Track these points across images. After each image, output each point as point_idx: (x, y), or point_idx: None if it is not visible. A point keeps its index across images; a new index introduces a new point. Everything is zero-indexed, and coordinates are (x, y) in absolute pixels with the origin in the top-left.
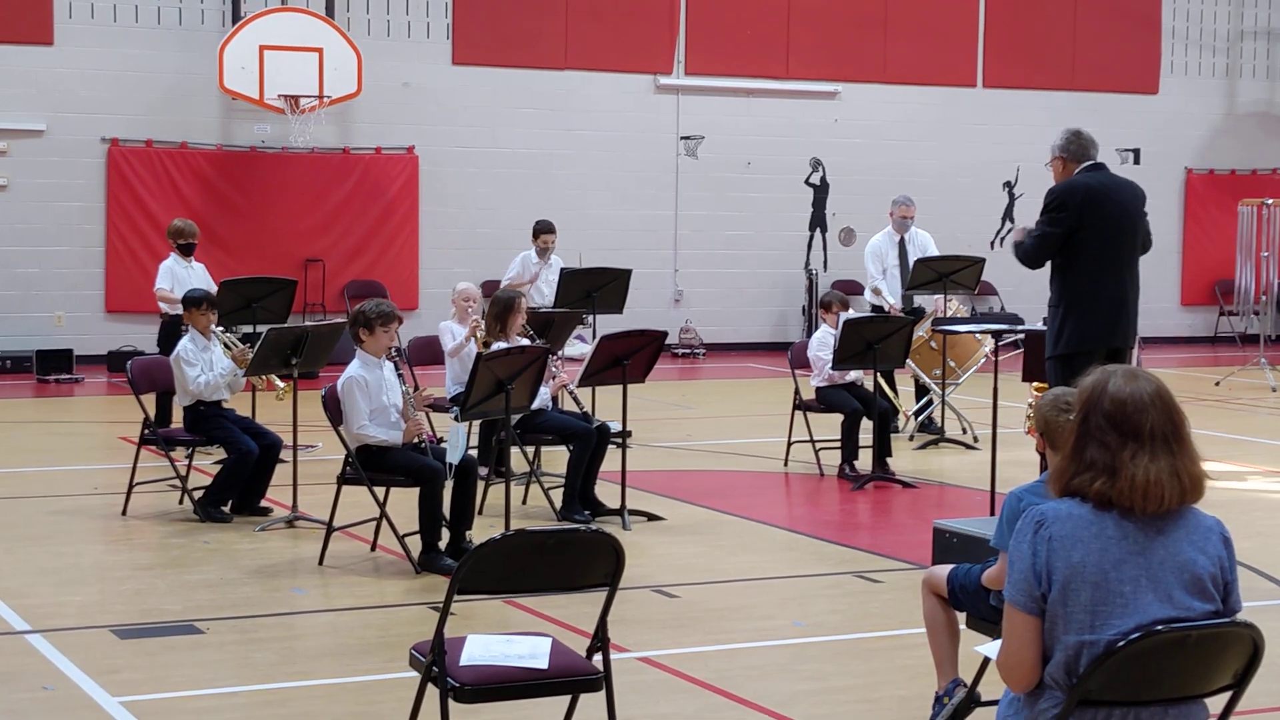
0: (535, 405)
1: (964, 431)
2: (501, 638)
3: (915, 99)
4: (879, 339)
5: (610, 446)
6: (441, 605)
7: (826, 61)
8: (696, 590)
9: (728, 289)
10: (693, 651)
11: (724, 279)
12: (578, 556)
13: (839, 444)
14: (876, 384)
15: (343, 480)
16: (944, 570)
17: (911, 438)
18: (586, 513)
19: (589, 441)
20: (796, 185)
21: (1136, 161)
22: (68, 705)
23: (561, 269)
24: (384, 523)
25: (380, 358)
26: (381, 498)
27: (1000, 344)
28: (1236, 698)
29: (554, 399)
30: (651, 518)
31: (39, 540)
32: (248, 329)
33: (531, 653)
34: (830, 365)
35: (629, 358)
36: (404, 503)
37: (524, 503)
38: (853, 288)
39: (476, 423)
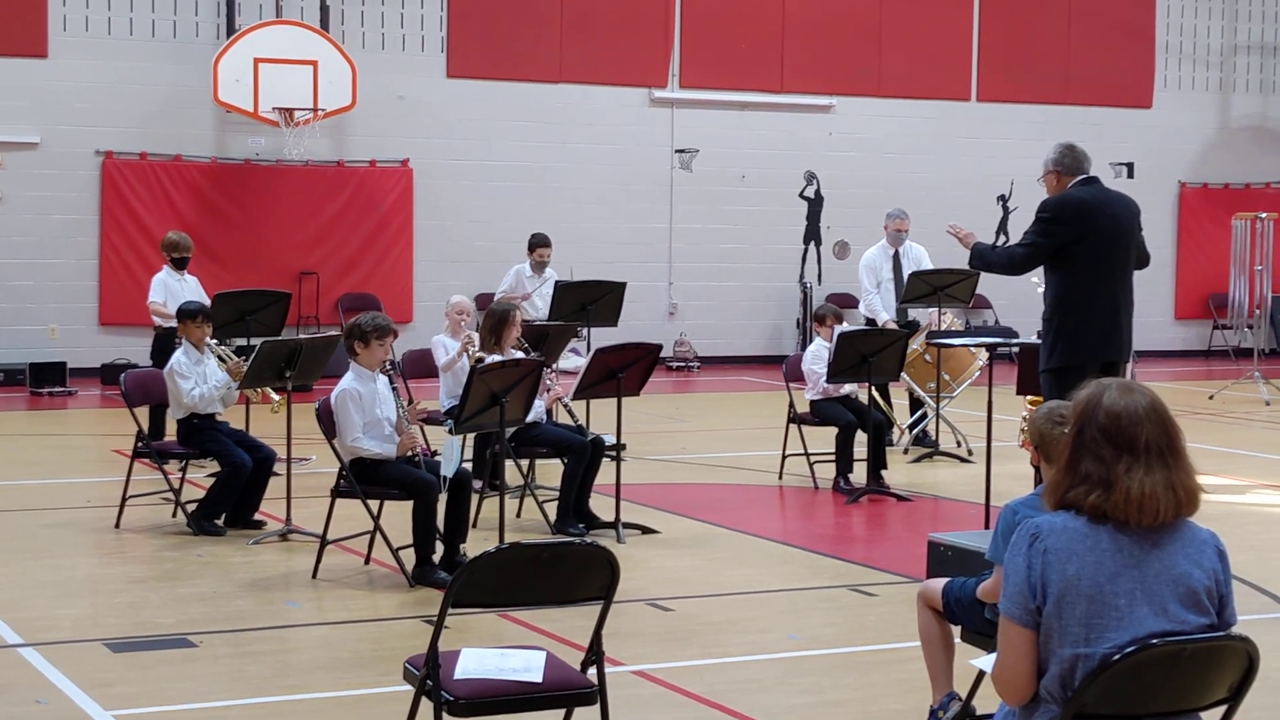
0: (530, 418)
1: (958, 445)
2: (496, 651)
3: (910, 113)
4: (874, 352)
5: (605, 459)
6: (436, 619)
7: (821, 75)
8: (691, 604)
9: (722, 302)
10: (687, 665)
11: (718, 292)
12: (572, 570)
13: (834, 457)
14: (871, 397)
15: (337, 493)
16: (939, 584)
17: (906, 451)
18: (581, 526)
19: (583, 454)
20: (791, 199)
21: (1130, 175)
22: (60, 719)
23: (556, 282)
24: (378, 536)
25: (374, 371)
26: (375, 511)
27: (994, 357)
28: (1232, 712)
29: (549, 412)
30: (646, 531)
31: (32, 553)
32: (242, 342)
33: (526, 666)
34: (825, 378)
35: (624, 371)
36: (398, 516)
37: (518, 516)
38: (847, 301)
39: (471, 435)
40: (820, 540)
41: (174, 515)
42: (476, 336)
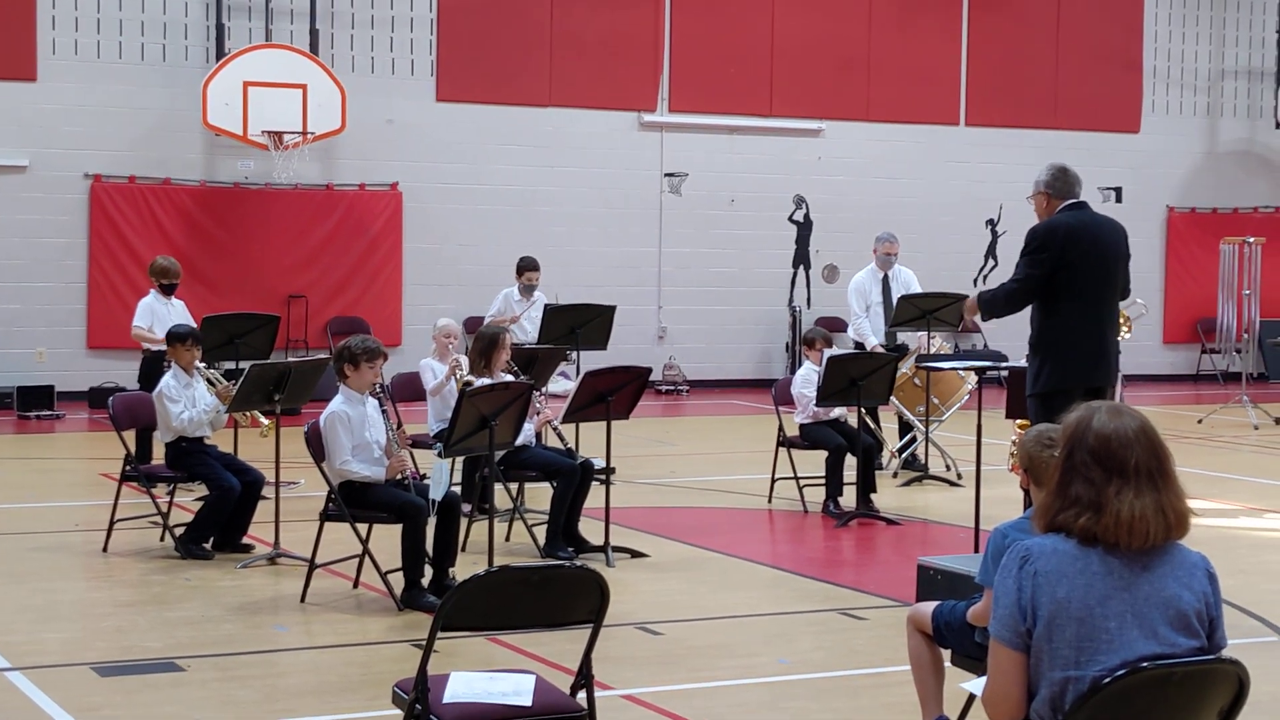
0: (519, 441)
1: (948, 468)
2: (485, 675)
3: (898, 137)
4: (863, 375)
5: (594, 483)
6: (425, 642)
7: (810, 99)
8: (681, 627)
9: (711, 326)
10: (677, 689)
11: (708, 316)
12: (561, 593)
13: (823, 481)
14: (861, 420)
15: (325, 517)
16: (929, 607)
17: (895, 474)
18: (570, 549)
19: (573, 478)
20: (780, 222)
21: (1118, 200)
22: None
23: (545, 305)
24: (366, 559)
25: (363, 394)
26: (364, 534)
27: (983, 381)
28: None
29: (538, 435)
30: (635, 554)
31: (19, 577)
32: (230, 365)
33: (515, 690)
34: (814, 402)
35: (613, 394)
36: (387, 539)
37: (507, 539)
38: (836, 324)
39: (460, 459)
40: (810, 564)
41: (162, 539)
42: (464, 360)
